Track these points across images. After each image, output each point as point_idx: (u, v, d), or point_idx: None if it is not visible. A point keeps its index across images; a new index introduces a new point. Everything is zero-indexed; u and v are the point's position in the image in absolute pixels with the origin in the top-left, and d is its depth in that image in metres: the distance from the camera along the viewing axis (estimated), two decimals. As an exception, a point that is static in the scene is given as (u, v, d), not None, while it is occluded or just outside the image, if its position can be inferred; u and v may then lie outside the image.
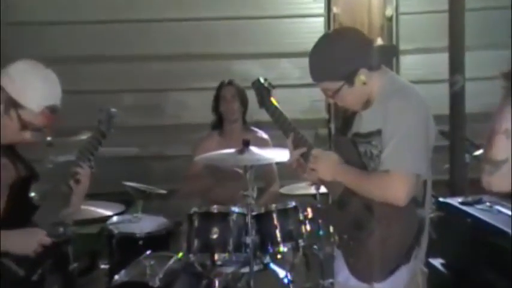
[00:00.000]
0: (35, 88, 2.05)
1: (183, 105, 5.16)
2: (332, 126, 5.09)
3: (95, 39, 4.99)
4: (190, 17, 5.07)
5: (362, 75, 2.11)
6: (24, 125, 2.06)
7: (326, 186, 2.36)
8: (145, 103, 5.13)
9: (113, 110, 2.32)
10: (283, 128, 2.35)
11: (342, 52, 2.10)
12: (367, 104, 2.19)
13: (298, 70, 5.05)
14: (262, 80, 2.48)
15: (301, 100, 5.09)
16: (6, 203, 2.06)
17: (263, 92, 2.45)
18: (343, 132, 2.32)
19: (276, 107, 2.40)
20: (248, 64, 5.04)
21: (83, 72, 4.93)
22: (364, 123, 2.20)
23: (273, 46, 5.10)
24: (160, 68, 5.08)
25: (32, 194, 2.18)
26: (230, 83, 3.83)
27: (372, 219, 2.12)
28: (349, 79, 2.11)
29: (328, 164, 2.20)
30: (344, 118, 2.34)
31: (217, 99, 3.82)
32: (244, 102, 3.76)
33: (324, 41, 2.17)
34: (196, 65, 5.09)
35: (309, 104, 5.13)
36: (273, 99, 2.43)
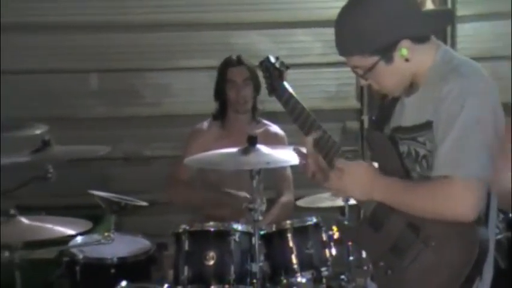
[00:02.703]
0: None
1: (165, 90, 5.18)
2: (365, 118, 5.08)
3: (47, 2, 4.98)
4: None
5: (404, 49, 2.12)
6: None
7: (356, 200, 2.38)
8: (116, 87, 5.14)
9: None
10: (299, 122, 2.38)
11: (378, 17, 2.11)
12: (411, 88, 2.21)
13: (320, 44, 5.05)
14: (272, 59, 2.51)
15: (325, 84, 5.11)
16: None
17: (274, 74, 2.49)
18: (378, 126, 2.35)
19: (290, 95, 2.43)
20: (252, 36, 5.06)
21: (28, 46, 4.95)
22: (408, 114, 2.22)
23: (285, 12, 5.09)
24: (135, 41, 5.07)
25: None
26: (240, 61, 3.85)
27: (416, 241, 2.15)
28: (387, 53, 2.12)
29: (359, 180, 2.19)
30: (380, 107, 2.38)
31: (222, 83, 3.85)
32: (257, 87, 3.80)
33: (354, 3, 2.18)
34: (183, 36, 5.09)
35: (335, 88, 5.14)
36: (286, 84, 2.47)
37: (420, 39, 2.16)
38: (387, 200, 2.18)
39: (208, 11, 5.07)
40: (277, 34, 5.09)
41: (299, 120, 2.38)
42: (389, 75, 2.17)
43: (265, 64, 2.53)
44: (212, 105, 4.05)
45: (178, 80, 5.14)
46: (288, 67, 2.50)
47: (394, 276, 2.19)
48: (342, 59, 5.18)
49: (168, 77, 5.15)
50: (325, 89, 5.10)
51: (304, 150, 2.36)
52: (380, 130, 2.32)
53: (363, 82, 2.25)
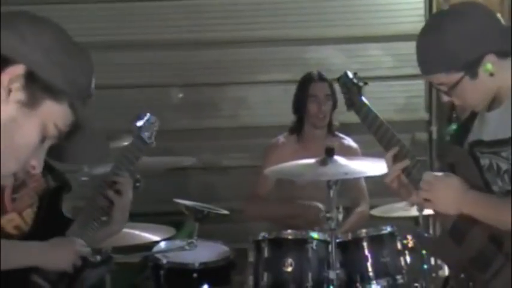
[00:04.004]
0: (57, 62, 2.12)
1: (242, 103, 5.19)
2: (433, 129, 5.01)
3: (130, 21, 5.07)
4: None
5: (489, 64, 2.05)
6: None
7: (436, 212, 2.31)
8: (196, 100, 5.18)
9: (153, 117, 2.37)
10: (378, 136, 2.31)
11: (462, 34, 2.05)
12: (494, 102, 2.14)
13: (390, 58, 4.99)
14: (350, 75, 2.46)
15: (394, 96, 5.04)
16: (35, 216, 2.17)
17: (352, 89, 2.43)
18: (458, 140, 2.28)
19: (369, 109, 2.37)
20: (326, 51, 5.02)
21: (117, 63, 5.04)
22: (490, 128, 2.15)
23: (357, 28, 5.04)
24: (214, 57, 5.11)
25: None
26: (321, 77, 3.84)
27: (499, 255, 2.08)
28: (472, 69, 2.06)
29: (452, 193, 2.12)
30: (461, 123, 2.32)
31: (303, 97, 3.83)
32: (335, 103, 3.78)
33: (438, 20, 2.13)
34: (259, 52, 5.10)
35: (405, 100, 5.06)
36: (364, 99, 2.41)
37: (504, 53, 2.09)
38: (478, 215, 2.11)
39: (283, 27, 5.06)
40: (349, 49, 5.05)
41: (378, 134, 2.32)
42: (474, 91, 2.10)
43: (343, 80, 2.48)
44: (287, 118, 4.03)
45: (254, 93, 5.14)
46: (366, 82, 2.44)
47: None
48: (411, 72, 5.10)
49: (245, 91, 5.16)
50: (395, 101, 5.03)
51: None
52: (461, 144, 2.25)
53: (446, 98, 2.18)
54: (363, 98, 2.40)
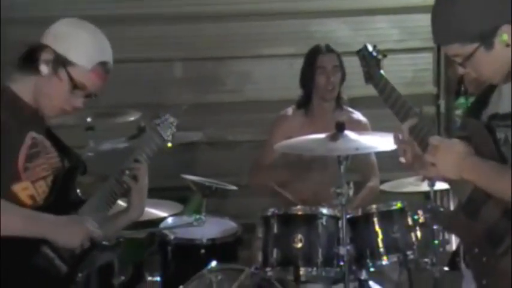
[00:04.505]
0: (86, 42, 2.19)
1: (247, 77, 5.14)
2: (442, 103, 4.98)
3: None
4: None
5: (505, 34, 2.01)
6: (76, 86, 2.18)
7: (450, 185, 2.30)
8: (200, 74, 5.13)
9: (171, 117, 2.39)
10: (395, 109, 2.28)
11: (477, 4, 2.02)
12: (509, 74, 2.10)
13: (397, 30, 4.95)
14: (370, 48, 2.42)
15: (402, 69, 4.97)
16: (49, 190, 2.18)
17: (371, 63, 2.40)
18: (475, 113, 2.24)
19: (387, 82, 2.34)
20: (331, 24, 4.98)
21: (118, 37, 4.96)
22: (506, 101, 2.12)
23: (364, 0, 4.98)
24: (217, 31, 5.06)
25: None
26: (329, 49, 3.81)
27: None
28: (487, 39, 2.02)
29: (453, 157, 2.11)
30: (478, 95, 2.27)
31: (310, 70, 3.78)
32: (343, 75, 3.76)
33: None
34: (263, 25, 5.04)
35: (412, 74, 5.02)
36: (382, 72, 2.37)
37: None
38: (479, 181, 2.09)
39: (288, 0, 5.01)
40: (355, 21, 5.00)
41: (395, 107, 2.28)
42: (489, 62, 2.07)
43: (363, 53, 2.44)
44: (292, 92, 4.00)
45: (259, 68, 5.09)
46: (385, 55, 2.41)
47: (490, 264, 2.10)
48: (418, 45, 5.05)
49: (249, 65, 5.12)
50: (402, 74, 4.95)
51: (401, 136, 2.27)
52: (477, 117, 2.21)
53: (461, 71, 2.15)
54: (382, 71, 2.37)
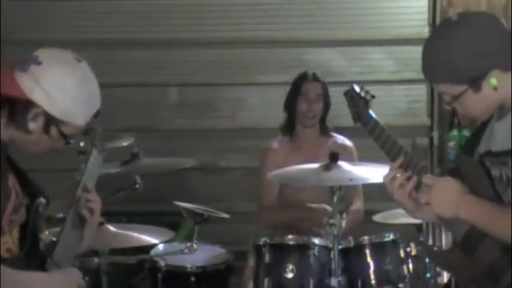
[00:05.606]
0: (79, 100, 2.06)
1: (240, 104, 5.15)
2: (435, 134, 4.98)
3: (129, 19, 5.02)
4: (251, -8, 5.08)
5: (493, 78, 2.02)
6: (65, 137, 2.10)
7: (444, 224, 2.29)
8: (194, 100, 5.13)
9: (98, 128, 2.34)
10: (386, 149, 2.27)
11: (468, 47, 2.02)
12: (501, 112, 2.11)
13: (391, 61, 4.96)
14: (357, 89, 2.40)
15: (396, 100, 5.00)
16: (22, 241, 2.08)
17: (359, 103, 2.38)
18: (468, 150, 2.24)
19: (376, 122, 2.32)
20: (326, 53, 4.99)
21: (114, 61, 5.00)
22: (498, 139, 2.12)
23: (358, 30, 5.00)
24: (213, 57, 5.06)
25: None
26: (315, 78, 3.85)
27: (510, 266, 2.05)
28: (476, 83, 2.03)
29: (447, 196, 2.10)
30: (471, 133, 2.28)
31: (294, 96, 3.84)
32: (327, 105, 3.80)
33: (444, 30, 2.09)
34: (258, 53, 5.06)
35: (406, 105, 5.03)
36: (372, 112, 2.35)
37: (508, 67, 2.05)
38: (474, 219, 2.08)
39: (282, 29, 5.03)
40: (349, 51, 5.02)
41: (385, 147, 2.27)
42: (477, 103, 2.08)
43: (350, 93, 2.42)
44: (284, 120, 4.01)
45: (253, 95, 5.10)
46: (373, 96, 2.38)
47: None
48: (413, 76, 5.06)
49: (243, 92, 5.12)
50: (396, 105, 4.99)
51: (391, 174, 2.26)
52: (470, 155, 2.21)
53: (448, 107, 2.17)
54: (371, 111, 2.35)
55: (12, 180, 2.06)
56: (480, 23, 2.08)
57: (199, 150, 4.98)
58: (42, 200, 2.13)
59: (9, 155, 2.11)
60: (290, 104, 3.85)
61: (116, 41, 5.00)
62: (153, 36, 5.02)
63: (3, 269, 1.94)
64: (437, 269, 3.53)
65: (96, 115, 2.14)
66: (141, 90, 5.06)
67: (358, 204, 3.77)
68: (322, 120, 3.84)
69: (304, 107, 3.78)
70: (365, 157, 3.58)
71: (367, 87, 2.40)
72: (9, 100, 2.00)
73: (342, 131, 3.91)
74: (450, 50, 2.03)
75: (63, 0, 4.98)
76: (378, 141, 2.29)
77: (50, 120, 2.04)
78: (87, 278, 2.27)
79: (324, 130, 3.85)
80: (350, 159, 3.50)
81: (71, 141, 2.13)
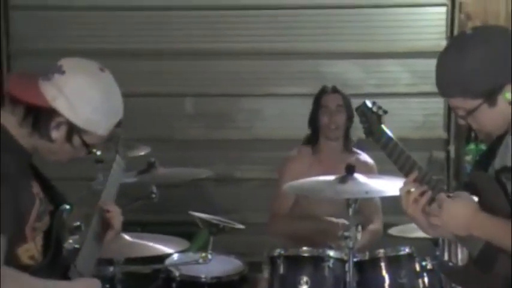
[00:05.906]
0: (102, 110, 2.07)
1: (256, 115, 5.17)
2: (451, 148, 4.96)
3: (147, 30, 5.05)
4: (268, 4, 5.07)
5: (508, 93, 2.02)
6: (87, 147, 2.12)
7: (460, 240, 2.25)
8: (210, 111, 5.15)
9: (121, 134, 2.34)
10: (399, 165, 2.26)
11: (483, 62, 2.02)
12: None
13: (408, 74, 4.96)
14: (369, 104, 2.39)
15: (412, 113, 5.00)
16: (46, 248, 2.09)
17: (371, 118, 2.37)
18: (483, 166, 2.23)
19: (389, 138, 2.30)
20: (343, 65, 5.00)
21: (132, 71, 5.02)
22: (513, 154, 2.12)
23: (375, 43, 5.01)
24: (229, 68, 5.09)
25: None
26: (335, 89, 3.87)
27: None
28: (490, 97, 2.03)
29: (462, 214, 2.09)
30: (487, 148, 2.28)
31: (315, 110, 3.85)
32: (350, 116, 3.77)
33: (459, 44, 2.09)
34: (274, 65, 5.08)
35: (423, 118, 5.03)
36: (384, 127, 2.34)
37: None
38: (487, 237, 2.08)
39: (300, 41, 5.05)
40: (366, 64, 5.03)
41: (398, 162, 2.26)
42: (491, 118, 2.07)
43: (362, 109, 2.41)
44: (301, 131, 4.01)
45: (269, 106, 5.12)
46: (386, 111, 2.36)
47: None
48: (430, 89, 5.04)
49: (260, 103, 5.14)
50: (412, 118, 4.99)
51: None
52: (485, 170, 2.21)
53: (462, 121, 2.15)
54: (383, 127, 2.34)
55: (36, 188, 2.07)
56: (495, 37, 2.09)
57: (215, 161, 4.99)
58: (66, 206, 2.14)
59: (33, 163, 2.13)
60: (313, 119, 3.86)
61: (133, 51, 5.04)
62: (170, 47, 5.06)
63: (29, 279, 1.96)
64: (453, 285, 3.51)
65: (119, 125, 2.15)
66: (158, 100, 5.09)
67: (377, 225, 3.76)
68: (346, 135, 3.83)
69: (326, 119, 3.78)
70: (385, 171, 3.57)
71: (379, 102, 2.39)
72: (33, 109, 2.02)
73: (361, 143, 3.88)
74: (464, 64, 2.02)
75: (75, 10, 5.01)
76: (391, 156, 2.28)
77: (72, 129, 2.05)
78: (107, 286, 2.28)
79: (347, 145, 3.83)
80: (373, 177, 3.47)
81: (94, 150, 2.14)
